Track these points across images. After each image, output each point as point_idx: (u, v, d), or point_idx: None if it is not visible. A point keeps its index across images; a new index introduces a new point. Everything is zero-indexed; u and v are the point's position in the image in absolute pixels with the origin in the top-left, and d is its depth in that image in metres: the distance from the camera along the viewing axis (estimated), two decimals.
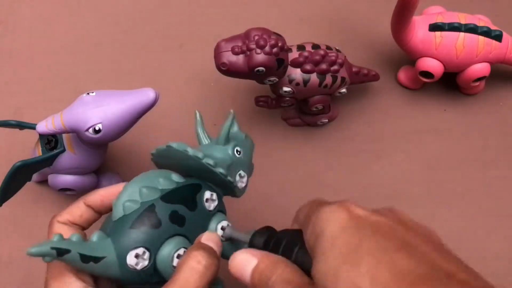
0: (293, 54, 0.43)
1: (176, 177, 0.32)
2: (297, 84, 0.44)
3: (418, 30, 0.47)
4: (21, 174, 0.39)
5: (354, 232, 0.21)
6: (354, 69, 0.48)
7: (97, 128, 0.37)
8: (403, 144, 0.51)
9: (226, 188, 0.33)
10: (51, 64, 0.56)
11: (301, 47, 0.44)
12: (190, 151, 0.31)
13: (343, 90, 0.47)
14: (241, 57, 0.41)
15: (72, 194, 0.45)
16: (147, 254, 0.29)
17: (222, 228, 0.32)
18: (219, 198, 0.33)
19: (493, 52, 0.47)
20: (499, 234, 0.46)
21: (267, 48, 0.40)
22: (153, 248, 0.29)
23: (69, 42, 0.58)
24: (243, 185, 0.34)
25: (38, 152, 0.42)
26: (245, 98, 0.53)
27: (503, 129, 0.51)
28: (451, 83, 0.52)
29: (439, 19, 0.47)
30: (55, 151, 0.41)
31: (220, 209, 0.33)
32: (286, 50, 0.43)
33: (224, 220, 0.32)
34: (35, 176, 0.47)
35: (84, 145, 0.41)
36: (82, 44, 0.57)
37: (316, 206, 0.24)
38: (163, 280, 0.29)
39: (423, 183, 0.49)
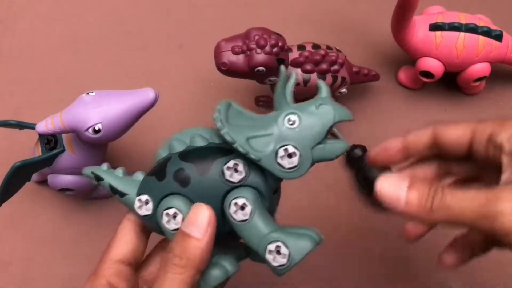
0: (293, 54, 0.43)
1: (215, 137, 0.29)
2: (297, 84, 0.44)
3: (418, 30, 0.47)
4: (20, 174, 0.39)
5: None
6: (354, 69, 0.48)
7: (97, 128, 0.37)
8: None
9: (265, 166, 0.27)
10: (51, 64, 0.56)
11: (301, 47, 0.44)
12: (216, 112, 0.27)
13: (343, 90, 0.47)
14: (241, 57, 0.41)
15: (72, 194, 0.45)
16: (150, 204, 0.29)
17: (236, 204, 0.27)
18: (253, 173, 0.27)
19: (493, 52, 0.47)
20: None
21: (267, 48, 0.40)
22: (154, 199, 0.29)
23: (69, 42, 0.58)
24: (290, 165, 0.26)
25: (38, 152, 0.42)
26: (245, 98, 0.53)
27: None
28: (451, 83, 0.51)
29: (439, 19, 0.47)
30: (55, 151, 0.41)
31: (253, 185, 0.27)
32: (286, 50, 0.43)
33: (240, 197, 0.27)
34: (35, 176, 0.47)
35: (84, 145, 0.41)
36: (82, 44, 0.57)
37: None
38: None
39: None
